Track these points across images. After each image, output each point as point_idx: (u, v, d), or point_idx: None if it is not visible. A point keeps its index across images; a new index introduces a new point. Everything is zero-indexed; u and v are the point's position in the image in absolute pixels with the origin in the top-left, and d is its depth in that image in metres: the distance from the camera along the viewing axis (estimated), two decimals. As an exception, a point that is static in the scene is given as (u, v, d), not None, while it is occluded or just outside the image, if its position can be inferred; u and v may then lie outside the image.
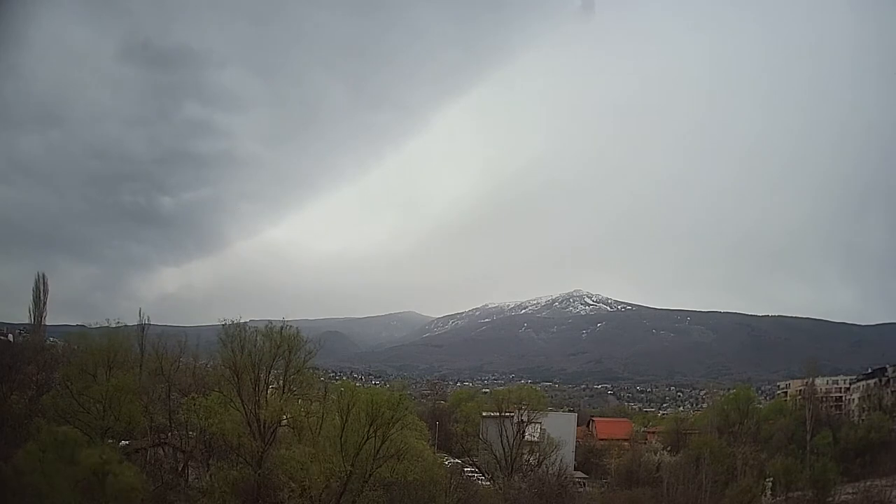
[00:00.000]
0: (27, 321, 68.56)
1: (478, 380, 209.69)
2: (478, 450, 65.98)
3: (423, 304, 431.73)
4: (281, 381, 40.49)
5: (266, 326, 39.78)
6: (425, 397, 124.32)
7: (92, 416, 38.10)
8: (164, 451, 41.19)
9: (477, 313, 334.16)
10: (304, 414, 38.53)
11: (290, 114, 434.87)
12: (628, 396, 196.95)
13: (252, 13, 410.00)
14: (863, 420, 79.71)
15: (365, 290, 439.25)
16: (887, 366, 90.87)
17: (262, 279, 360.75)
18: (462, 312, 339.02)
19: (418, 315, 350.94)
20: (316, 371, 55.00)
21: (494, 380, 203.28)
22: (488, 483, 56.45)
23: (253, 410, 36.88)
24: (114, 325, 47.91)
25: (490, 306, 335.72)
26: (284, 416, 39.07)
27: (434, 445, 63.33)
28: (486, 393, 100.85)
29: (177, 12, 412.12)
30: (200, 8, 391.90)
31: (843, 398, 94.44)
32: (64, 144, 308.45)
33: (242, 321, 40.64)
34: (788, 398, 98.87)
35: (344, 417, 35.26)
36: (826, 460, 56.97)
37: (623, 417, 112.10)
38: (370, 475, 34.60)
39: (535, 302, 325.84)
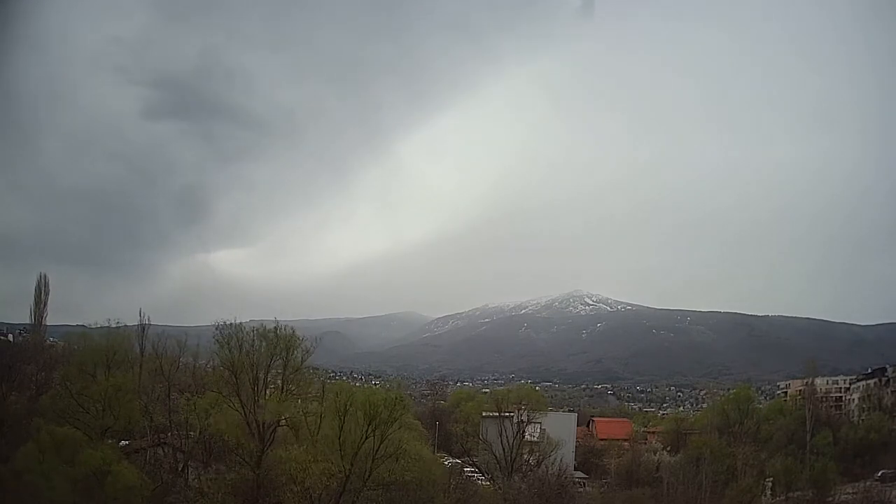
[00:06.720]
0: (27, 321, 68.76)
1: (478, 380, 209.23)
2: (477, 450, 65.86)
3: (423, 304, 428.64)
4: (279, 382, 40.42)
5: (258, 326, 39.68)
6: (425, 397, 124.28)
7: (91, 416, 38.11)
8: (163, 451, 41.11)
9: (477, 313, 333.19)
10: (302, 414, 38.50)
11: (292, 109, 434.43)
12: (628, 396, 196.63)
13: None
14: (863, 420, 79.82)
15: (365, 290, 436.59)
16: (887, 366, 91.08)
17: (262, 279, 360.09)
18: (462, 312, 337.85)
19: (418, 315, 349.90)
20: (315, 371, 54.92)
21: (494, 380, 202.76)
22: (488, 483, 56.41)
23: (252, 411, 36.86)
24: (114, 325, 48.07)
25: (490, 306, 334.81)
26: (283, 417, 39.04)
27: (434, 445, 63.32)
28: (485, 393, 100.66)
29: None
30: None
31: (843, 398, 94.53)
32: (61, 144, 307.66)
33: (242, 321, 40.67)
34: (788, 398, 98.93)
35: (342, 417, 35.24)
36: (826, 460, 57.07)
37: (623, 417, 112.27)
38: (369, 475, 34.58)
39: (535, 302, 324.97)
